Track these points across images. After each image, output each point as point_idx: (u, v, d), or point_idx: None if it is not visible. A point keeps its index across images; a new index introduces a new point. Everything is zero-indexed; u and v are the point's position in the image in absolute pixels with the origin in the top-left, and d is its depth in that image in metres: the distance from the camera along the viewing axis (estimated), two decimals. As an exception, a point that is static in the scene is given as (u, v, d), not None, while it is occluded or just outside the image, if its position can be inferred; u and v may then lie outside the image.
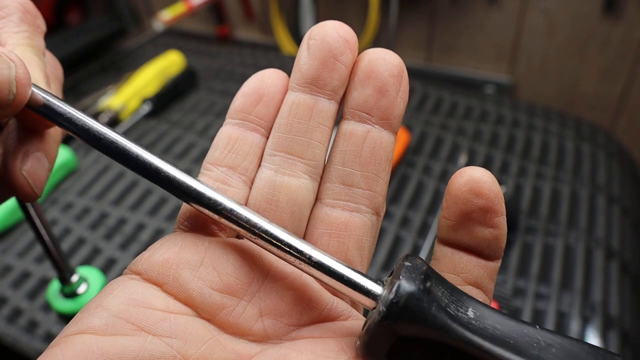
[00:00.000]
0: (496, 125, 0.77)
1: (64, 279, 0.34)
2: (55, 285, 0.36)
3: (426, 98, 0.83)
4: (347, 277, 0.16)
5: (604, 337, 0.50)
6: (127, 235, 0.62)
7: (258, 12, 1.46)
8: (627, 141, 1.04)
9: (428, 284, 0.15)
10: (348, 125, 0.19)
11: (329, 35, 0.18)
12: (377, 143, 0.18)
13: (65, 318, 0.33)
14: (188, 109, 0.85)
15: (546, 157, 0.71)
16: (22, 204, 0.29)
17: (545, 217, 0.62)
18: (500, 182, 0.67)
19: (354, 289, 0.16)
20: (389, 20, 1.24)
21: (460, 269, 0.17)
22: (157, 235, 0.62)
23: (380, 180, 0.19)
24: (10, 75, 0.17)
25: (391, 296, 0.15)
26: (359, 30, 1.28)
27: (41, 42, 0.21)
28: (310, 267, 0.17)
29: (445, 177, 0.68)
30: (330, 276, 0.16)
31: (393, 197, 0.65)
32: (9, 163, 0.19)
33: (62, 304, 0.35)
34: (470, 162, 0.70)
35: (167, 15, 1.10)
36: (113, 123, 0.79)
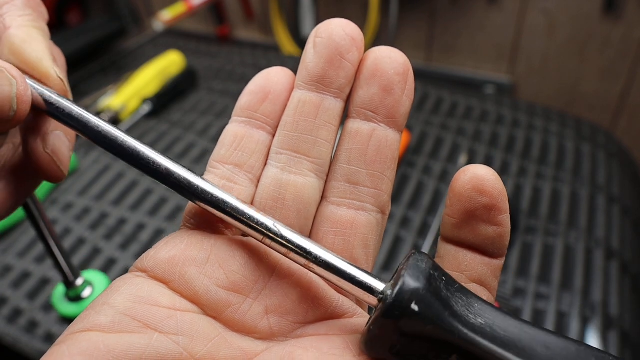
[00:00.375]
0: (496, 125, 0.77)
1: (69, 283, 0.34)
2: (60, 289, 0.36)
3: (426, 98, 0.83)
4: (352, 276, 0.16)
5: (604, 337, 0.50)
6: (127, 235, 0.62)
7: (258, 12, 1.46)
8: (627, 141, 1.04)
9: (433, 282, 0.15)
10: (354, 124, 0.19)
11: (336, 33, 0.18)
12: (383, 141, 0.18)
13: (70, 321, 0.33)
14: (188, 109, 0.85)
15: (546, 157, 0.71)
16: (26, 208, 0.29)
17: (545, 217, 0.62)
18: (500, 182, 0.67)
19: (359, 287, 0.16)
20: (389, 20, 1.24)
21: (464, 266, 0.17)
22: (157, 235, 0.62)
23: (386, 179, 0.19)
24: (12, 92, 0.17)
25: (396, 292, 0.15)
26: (359, 30, 1.28)
27: (45, 27, 0.21)
28: (316, 266, 0.17)
29: (445, 177, 0.68)
30: (336, 274, 0.17)
31: (393, 197, 0.65)
32: (31, 145, 0.19)
33: (67, 308, 0.35)
34: (470, 162, 0.70)
35: (167, 15, 1.10)
36: (113, 123, 0.79)
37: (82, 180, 0.70)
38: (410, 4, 1.22)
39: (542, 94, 1.23)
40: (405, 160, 0.71)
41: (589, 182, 0.67)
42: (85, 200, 0.67)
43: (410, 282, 0.15)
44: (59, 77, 0.19)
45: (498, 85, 1.24)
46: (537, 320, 0.52)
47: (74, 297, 0.35)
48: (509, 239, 0.17)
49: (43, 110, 0.18)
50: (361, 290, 0.16)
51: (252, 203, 0.19)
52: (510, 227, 0.17)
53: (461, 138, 0.75)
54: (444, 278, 0.16)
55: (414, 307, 0.15)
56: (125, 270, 0.58)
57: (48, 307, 0.55)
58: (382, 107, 0.18)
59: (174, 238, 0.18)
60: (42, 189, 0.68)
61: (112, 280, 0.57)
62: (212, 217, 0.19)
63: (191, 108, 0.85)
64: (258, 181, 0.19)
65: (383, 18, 1.26)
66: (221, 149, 0.19)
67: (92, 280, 0.37)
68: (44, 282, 0.57)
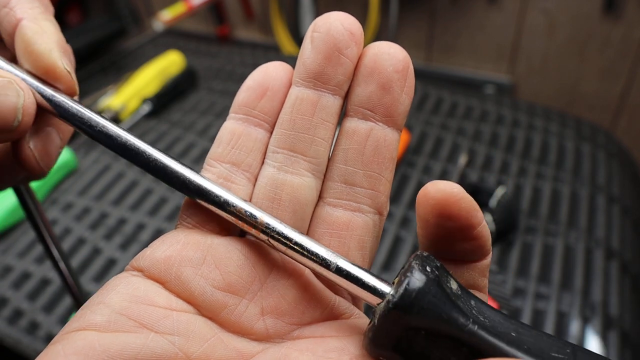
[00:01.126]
0: (496, 125, 0.77)
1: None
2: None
3: (426, 98, 0.83)
4: (356, 276, 0.16)
5: (604, 337, 0.50)
6: (127, 235, 0.62)
7: (258, 12, 1.46)
8: (627, 141, 1.04)
9: (440, 279, 0.15)
10: (351, 123, 0.18)
11: (334, 27, 0.18)
12: (381, 141, 0.18)
13: None
14: (188, 109, 0.85)
15: (546, 157, 0.71)
16: (43, 241, 0.29)
17: (545, 217, 0.62)
18: (500, 182, 0.67)
19: (363, 288, 0.16)
20: (389, 20, 1.24)
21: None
22: (157, 235, 0.62)
23: (383, 180, 0.18)
24: (18, 104, 0.17)
25: (403, 287, 0.15)
26: (359, 30, 1.28)
27: (54, 20, 0.21)
28: (319, 266, 0.17)
29: (445, 177, 0.68)
30: (340, 275, 0.17)
31: (393, 197, 0.65)
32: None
33: None
34: (470, 162, 0.70)
35: (167, 15, 1.10)
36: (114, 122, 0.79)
37: (82, 180, 0.70)
38: (410, 4, 1.22)
39: (542, 94, 1.23)
40: (405, 160, 0.71)
41: (589, 182, 0.67)
42: (85, 200, 0.67)
43: (418, 277, 0.15)
44: (66, 70, 0.19)
45: (498, 85, 1.24)
46: (537, 320, 0.52)
47: None
48: (490, 242, 0.16)
49: (50, 111, 0.19)
50: (365, 290, 0.16)
51: None
52: (489, 233, 0.16)
53: (461, 138, 0.75)
54: (448, 276, 0.16)
55: (422, 301, 0.15)
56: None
57: (49, 307, 0.55)
58: (380, 106, 0.18)
59: (170, 237, 0.18)
60: (42, 189, 0.68)
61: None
62: (208, 216, 0.19)
63: (191, 108, 0.85)
64: (256, 179, 0.19)
65: (383, 18, 1.26)
66: (218, 147, 0.19)
67: None
68: (44, 283, 0.57)
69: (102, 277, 0.58)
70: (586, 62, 1.14)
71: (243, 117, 0.19)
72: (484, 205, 0.61)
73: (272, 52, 1.16)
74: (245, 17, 1.49)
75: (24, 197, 0.27)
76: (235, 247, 0.18)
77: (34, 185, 0.68)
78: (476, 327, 0.15)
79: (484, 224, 0.16)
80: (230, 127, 0.19)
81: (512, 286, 0.55)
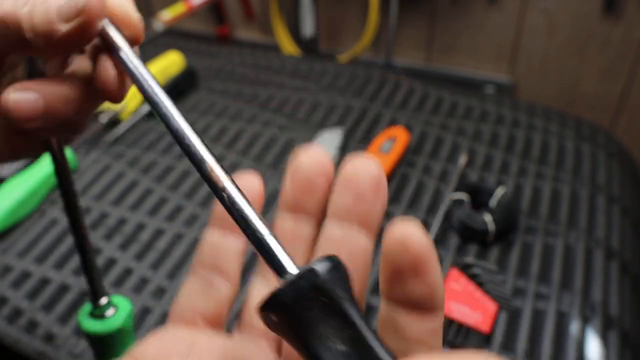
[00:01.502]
0: (496, 125, 0.77)
1: (97, 302, 0.36)
2: (87, 308, 0.37)
3: (426, 98, 0.83)
4: (270, 249, 0.18)
5: (604, 337, 0.50)
6: (127, 235, 0.62)
7: (258, 12, 1.47)
8: (627, 141, 1.04)
9: (345, 271, 0.17)
10: (329, 228, 0.21)
11: (307, 163, 0.21)
12: (354, 245, 0.20)
13: (90, 338, 0.35)
14: (188, 109, 0.85)
15: (546, 157, 0.71)
16: (71, 213, 0.30)
17: (545, 217, 0.62)
18: (500, 182, 0.67)
19: (272, 262, 0.18)
20: (389, 20, 1.24)
21: (399, 327, 0.18)
22: (157, 235, 0.62)
23: (357, 280, 0.20)
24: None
25: (311, 265, 0.16)
26: (359, 30, 1.28)
27: None
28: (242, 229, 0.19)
29: (445, 177, 0.68)
30: (258, 248, 0.18)
31: (393, 197, 0.65)
32: (102, 60, 0.22)
33: (90, 325, 0.36)
34: (470, 162, 0.70)
35: (167, 15, 1.10)
36: (113, 123, 0.79)
37: (82, 180, 0.70)
38: (410, 4, 1.22)
39: (542, 94, 1.23)
40: (405, 160, 0.71)
41: (589, 182, 0.67)
42: (85, 200, 0.67)
43: (328, 261, 0.17)
44: (138, 18, 0.22)
45: (498, 85, 1.25)
46: (537, 320, 0.52)
47: (98, 314, 0.37)
48: (442, 294, 0.17)
49: (121, 64, 0.21)
50: (271, 263, 0.18)
51: (230, 305, 0.22)
52: (440, 282, 0.17)
53: (461, 138, 0.75)
54: (348, 281, 0.17)
55: (327, 277, 0.16)
56: (125, 271, 0.58)
57: (48, 307, 0.55)
58: (354, 214, 0.20)
59: (161, 334, 0.21)
60: (42, 189, 0.68)
61: (111, 279, 0.57)
62: (196, 314, 0.22)
63: (191, 108, 0.85)
64: (237, 285, 0.22)
65: (383, 18, 1.26)
66: (200, 254, 0.22)
67: (116, 304, 0.38)
68: (44, 282, 0.57)
69: (101, 277, 0.58)
70: (586, 62, 1.14)
71: (220, 228, 0.22)
72: (484, 205, 0.62)
73: (272, 52, 1.16)
74: (245, 17, 1.49)
75: (58, 161, 0.28)
76: (217, 341, 0.21)
77: (32, 184, 0.69)
78: (363, 323, 0.16)
79: (436, 274, 0.17)
80: (210, 240, 0.23)
81: (512, 286, 0.55)
